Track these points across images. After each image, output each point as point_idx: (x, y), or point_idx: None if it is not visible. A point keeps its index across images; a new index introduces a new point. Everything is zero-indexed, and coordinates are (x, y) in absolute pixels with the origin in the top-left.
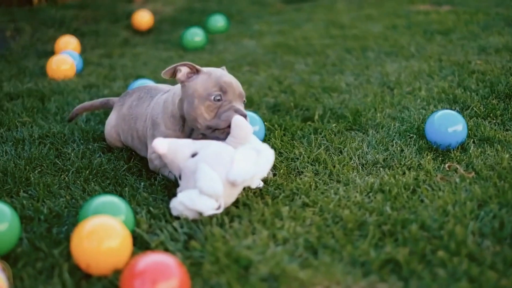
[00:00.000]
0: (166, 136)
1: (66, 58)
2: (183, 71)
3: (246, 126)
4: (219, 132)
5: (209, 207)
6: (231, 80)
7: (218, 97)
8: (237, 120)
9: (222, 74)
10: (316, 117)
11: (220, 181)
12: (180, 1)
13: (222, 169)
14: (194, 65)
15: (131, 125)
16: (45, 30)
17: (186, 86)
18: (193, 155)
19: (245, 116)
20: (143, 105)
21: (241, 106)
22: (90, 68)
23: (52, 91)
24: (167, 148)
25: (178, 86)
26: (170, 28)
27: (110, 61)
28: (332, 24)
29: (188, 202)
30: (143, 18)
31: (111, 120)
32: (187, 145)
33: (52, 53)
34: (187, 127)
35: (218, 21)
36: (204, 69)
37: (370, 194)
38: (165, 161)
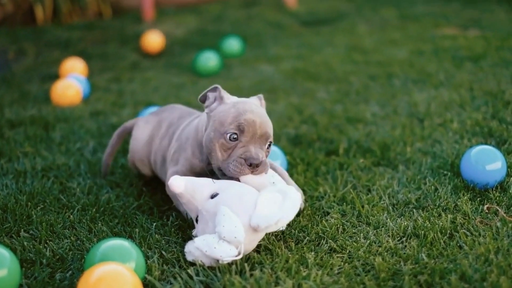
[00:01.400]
0: (191, 164)
1: (72, 83)
2: (211, 97)
3: (253, 182)
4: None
5: (229, 254)
6: (255, 118)
7: (234, 136)
8: (244, 178)
9: (246, 108)
10: (341, 150)
11: (242, 227)
12: (193, 23)
13: (244, 213)
14: (221, 90)
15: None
16: (50, 52)
17: (210, 115)
18: (213, 196)
19: (257, 165)
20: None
21: (260, 149)
22: (97, 93)
23: (57, 118)
24: (183, 187)
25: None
26: (182, 51)
27: (118, 86)
28: (354, 49)
29: (205, 248)
30: (153, 40)
31: (143, 136)
32: (207, 184)
33: (57, 76)
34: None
35: (233, 44)
36: (232, 98)
37: (403, 239)
38: (181, 201)
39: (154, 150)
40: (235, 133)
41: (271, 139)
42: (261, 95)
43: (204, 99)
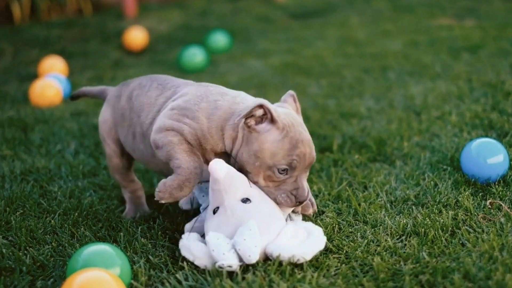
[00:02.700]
0: (200, 133)
1: (51, 82)
2: (256, 115)
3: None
4: None
5: (232, 266)
6: (305, 149)
7: (284, 172)
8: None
9: (298, 138)
10: (335, 147)
11: (260, 251)
12: (177, 18)
13: (267, 237)
14: (270, 109)
15: (133, 120)
16: (28, 51)
17: (253, 135)
18: (244, 200)
19: (304, 200)
20: (150, 94)
21: (305, 178)
22: None
23: (36, 119)
24: (224, 175)
25: (239, 100)
26: (166, 48)
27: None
28: (346, 41)
29: (214, 247)
30: (136, 36)
31: (107, 116)
32: (244, 185)
33: (35, 76)
34: (233, 163)
35: (219, 40)
36: (281, 119)
37: (403, 237)
38: (212, 186)
39: (122, 132)
40: (286, 169)
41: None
42: (293, 92)
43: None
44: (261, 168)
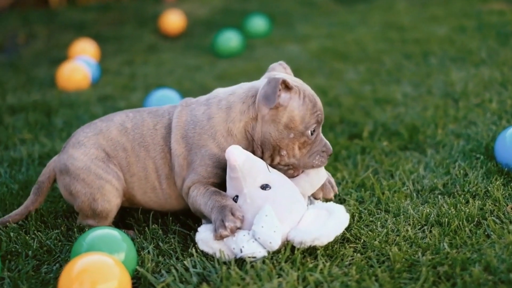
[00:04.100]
0: (218, 159)
1: (79, 66)
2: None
3: (325, 176)
4: (292, 170)
5: (256, 254)
6: (320, 102)
7: (314, 132)
8: (321, 169)
9: (312, 93)
10: (365, 134)
11: (281, 235)
12: (217, 1)
13: (288, 223)
14: (285, 80)
15: (140, 153)
16: (63, 35)
17: (279, 110)
18: (264, 187)
19: (331, 151)
20: (147, 124)
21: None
22: (107, 77)
23: (61, 103)
24: (242, 161)
25: (225, 96)
26: (203, 32)
27: (131, 69)
28: (390, 26)
29: (234, 245)
30: (173, 20)
31: (92, 152)
32: (263, 171)
33: (66, 60)
34: (256, 149)
35: (258, 24)
36: (292, 83)
37: (425, 227)
38: (230, 174)
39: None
40: (315, 127)
41: None
42: (282, 62)
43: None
44: (295, 138)
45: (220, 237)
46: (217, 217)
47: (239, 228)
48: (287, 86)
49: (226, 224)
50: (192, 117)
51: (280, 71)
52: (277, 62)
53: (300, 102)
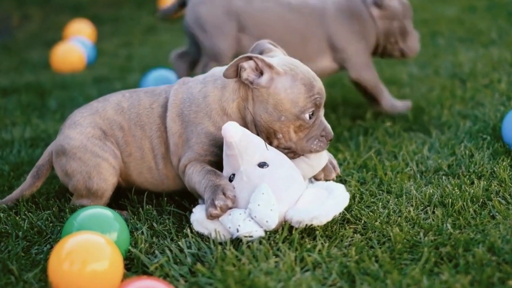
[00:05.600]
0: (214, 138)
1: (74, 47)
2: (248, 68)
3: (326, 159)
4: (292, 153)
5: (252, 234)
6: (321, 85)
7: (313, 115)
8: (322, 152)
9: (310, 75)
10: (368, 115)
11: (278, 214)
12: None
13: (286, 202)
14: (263, 58)
15: (135, 132)
16: (58, 16)
17: (262, 91)
18: (261, 165)
19: (332, 136)
20: (144, 103)
21: (323, 115)
22: (103, 59)
23: (55, 85)
24: (238, 137)
25: (221, 75)
26: None
27: (128, 50)
28: None
29: (229, 224)
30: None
31: (89, 131)
32: (260, 148)
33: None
34: (251, 130)
35: None
36: (277, 64)
37: (428, 208)
38: (227, 152)
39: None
40: (313, 111)
41: None
42: (268, 40)
43: (234, 72)
44: (289, 121)
45: (211, 217)
46: (209, 196)
47: (230, 208)
48: (268, 65)
49: (216, 202)
50: (188, 95)
51: (274, 50)
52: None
53: (288, 84)
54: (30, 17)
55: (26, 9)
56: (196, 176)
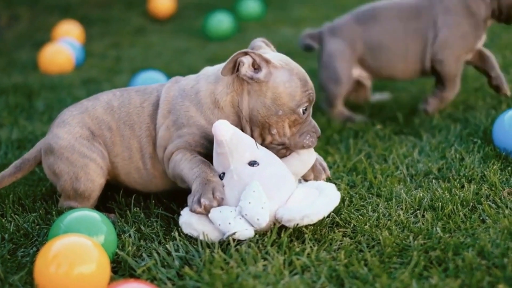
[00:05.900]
0: (205, 131)
1: (62, 48)
2: (246, 63)
3: (315, 155)
4: (285, 150)
5: (243, 233)
6: (311, 82)
7: (306, 110)
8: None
9: (303, 72)
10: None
11: (268, 212)
12: None
13: (276, 201)
14: (259, 53)
15: (124, 132)
16: (47, 17)
17: (261, 85)
18: (252, 164)
19: (319, 133)
20: (134, 102)
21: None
22: (92, 60)
23: (43, 86)
24: (229, 136)
25: (214, 71)
26: (194, 14)
27: (117, 52)
28: None
29: (219, 221)
30: (162, 2)
31: (77, 131)
32: (250, 147)
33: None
34: (244, 126)
35: (251, 6)
36: (275, 59)
37: (418, 211)
38: (217, 150)
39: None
40: (307, 106)
41: None
42: (264, 39)
43: (231, 68)
44: (285, 115)
45: (194, 211)
46: (197, 190)
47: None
48: (266, 60)
49: (202, 201)
50: (180, 92)
51: (265, 48)
52: (257, 40)
53: (286, 78)
54: (18, 18)
55: (14, 9)
56: (187, 163)
